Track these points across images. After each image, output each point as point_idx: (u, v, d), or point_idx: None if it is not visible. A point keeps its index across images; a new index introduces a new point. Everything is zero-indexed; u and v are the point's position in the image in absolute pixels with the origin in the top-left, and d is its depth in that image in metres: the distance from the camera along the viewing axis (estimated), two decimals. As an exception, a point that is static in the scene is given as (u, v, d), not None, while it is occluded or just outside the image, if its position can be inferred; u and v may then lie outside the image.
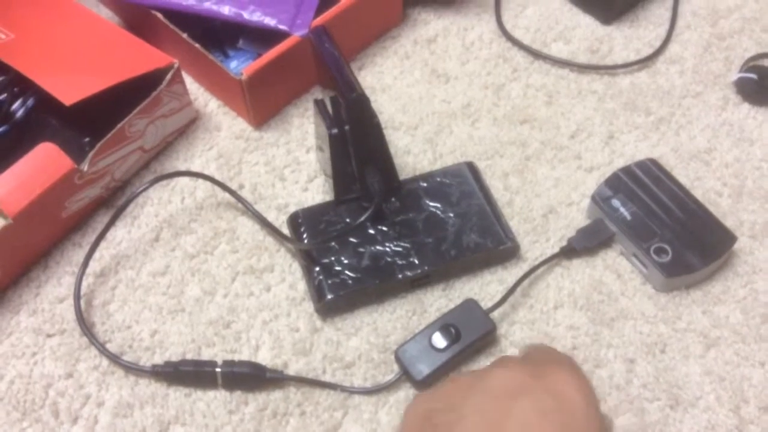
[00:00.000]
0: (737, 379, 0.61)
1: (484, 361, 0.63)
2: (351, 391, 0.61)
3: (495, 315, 0.63)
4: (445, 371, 0.61)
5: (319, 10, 0.75)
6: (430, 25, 0.84)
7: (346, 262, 0.65)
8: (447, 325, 0.62)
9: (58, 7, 0.76)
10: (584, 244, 0.67)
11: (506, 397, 0.45)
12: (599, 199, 0.68)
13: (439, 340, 0.61)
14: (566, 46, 0.81)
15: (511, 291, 0.64)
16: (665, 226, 0.66)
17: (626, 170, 0.69)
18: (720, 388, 0.61)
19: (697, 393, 0.60)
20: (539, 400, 0.44)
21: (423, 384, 0.60)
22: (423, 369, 0.60)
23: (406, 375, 0.61)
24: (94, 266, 0.67)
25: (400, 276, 0.64)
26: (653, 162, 0.70)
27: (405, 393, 0.61)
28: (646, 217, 0.66)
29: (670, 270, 0.64)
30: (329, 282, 0.63)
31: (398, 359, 0.61)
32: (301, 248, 0.66)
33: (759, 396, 0.60)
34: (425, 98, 0.78)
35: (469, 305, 0.63)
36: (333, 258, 0.65)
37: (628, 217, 0.67)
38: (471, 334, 0.61)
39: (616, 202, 0.68)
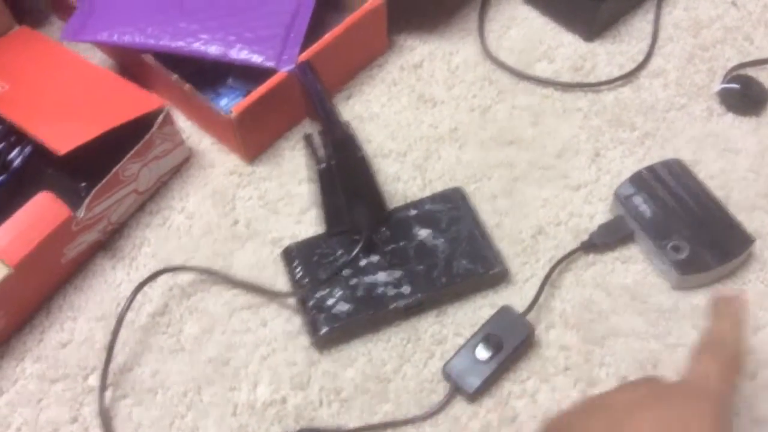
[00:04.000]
0: (729, 392, 0.62)
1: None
2: (405, 422, 0.62)
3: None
4: (495, 379, 0.63)
5: (306, 43, 0.76)
6: (415, 50, 0.85)
7: (339, 294, 0.66)
8: (488, 335, 0.64)
9: (50, 55, 0.78)
10: (604, 240, 0.69)
11: (626, 410, 0.46)
12: (622, 196, 0.69)
13: (482, 351, 0.63)
14: (550, 65, 0.83)
15: (539, 291, 0.67)
16: (684, 225, 0.67)
17: (650, 169, 0.71)
18: (712, 401, 0.61)
19: (689, 408, 0.61)
20: (659, 417, 0.45)
21: (475, 396, 0.62)
22: (473, 381, 0.62)
23: (457, 390, 0.63)
24: (95, 311, 0.69)
25: (392, 306, 0.65)
26: (677, 162, 0.71)
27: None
28: (666, 216, 0.68)
29: (685, 268, 0.65)
30: (323, 315, 0.65)
31: (447, 376, 0.63)
32: (298, 296, 0.67)
33: (749, 408, 0.61)
34: (413, 124, 0.80)
35: (505, 311, 0.65)
36: (326, 291, 0.66)
37: (648, 215, 0.68)
38: (512, 339, 0.64)
39: (638, 200, 0.69)
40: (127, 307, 0.66)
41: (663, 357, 0.64)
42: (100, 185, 0.68)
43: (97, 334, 0.68)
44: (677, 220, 0.67)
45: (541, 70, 0.82)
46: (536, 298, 0.66)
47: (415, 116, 0.80)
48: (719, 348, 0.50)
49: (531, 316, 0.66)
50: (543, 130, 0.78)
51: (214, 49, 0.75)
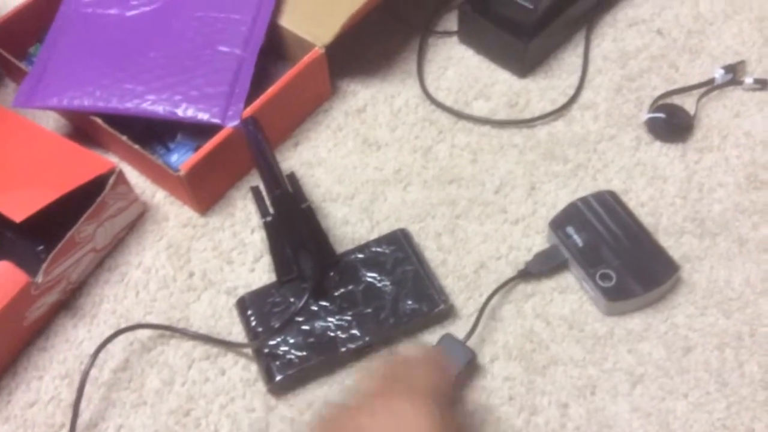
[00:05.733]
0: (663, 412, 0.66)
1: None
2: None
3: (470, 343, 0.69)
4: None
5: (252, 95, 0.80)
6: (359, 95, 0.89)
7: (291, 341, 0.69)
8: None
9: (1, 122, 0.80)
10: (539, 268, 0.73)
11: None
12: (555, 226, 0.74)
13: None
14: (487, 103, 0.86)
15: (478, 317, 0.70)
16: (613, 254, 0.71)
17: (584, 200, 0.75)
18: (647, 423, 0.65)
19: (626, 430, 0.65)
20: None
21: None
22: None
23: None
24: (59, 369, 0.72)
25: (343, 349, 0.69)
26: (610, 194, 0.76)
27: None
28: (596, 245, 0.72)
29: (612, 295, 0.69)
30: (277, 363, 0.68)
31: None
32: (252, 347, 0.70)
33: (683, 427, 0.65)
34: (359, 167, 0.83)
35: (447, 339, 0.69)
36: (279, 339, 0.69)
37: (580, 244, 0.72)
38: (455, 366, 0.67)
39: (570, 230, 0.73)
40: (89, 368, 0.68)
41: (600, 382, 0.67)
42: (56, 249, 0.71)
43: (63, 392, 0.71)
44: (607, 249, 0.71)
45: (478, 108, 0.86)
46: (476, 324, 0.70)
47: (360, 160, 0.84)
48: None
49: (477, 350, 0.69)
50: (482, 167, 0.82)
51: (161, 109, 0.79)
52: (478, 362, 0.69)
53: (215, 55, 0.82)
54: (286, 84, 0.81)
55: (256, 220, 0.80)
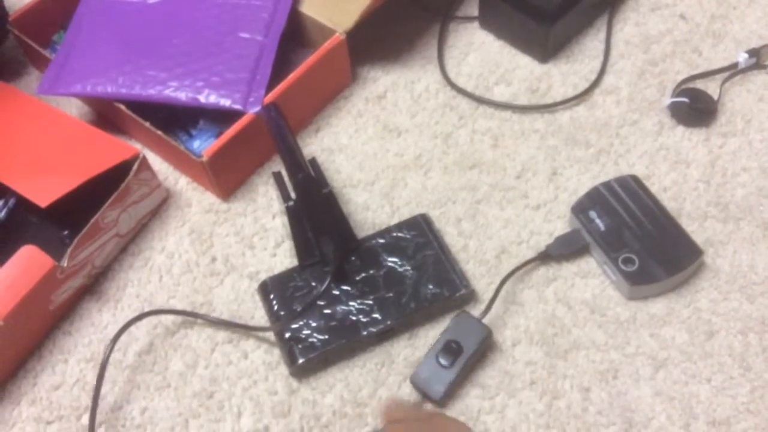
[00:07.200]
0: (686, 397, 0.66)
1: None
2: None
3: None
4: (459, 383, 0.67)
5: (273, 81, 0.80)
6: (379, 81, 0.89)
7: (314, 325, 0.69)
8: (448, 341, 0.67)
9: (26, 109, 0.81)
10: (560, 251, 0.73)
11: None
12: (578, 211, 0.73)
13: (444, 358, 0.67)
14: (508, 88, 0.86)
15: (495, 295, 0.71)
16: (636, 238, 0.71)
17: (606, 185, 0.75)
18: (670, 407, 0.65)
19: (649, 414, 0.65)
20: None
21: (442, 402, 0.66)
22: (439, 388, 0.66)
23: (425, 398, 0.67)
24: (84, 352, 0.73)
25: (365, 333, 0.69)
26: (633, 178, 0.75)
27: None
28: (619, 229, 0.71)
29: (635, 279, 0.69)
30: (299, 346, 0.68)
31: (414, 384, 0.67)
32: (274, 331, 0.71)
33: (707, 411, 0.65)
34: (379, 153, 0.83)
35: (462, 317, 0.69)
36: (302, 323, 0.70)
37: (602, 228, 0.72)
38: (471, 343, 0.67)
39: (592, 214, 0.73)
40: (110, 352, 0.69)
41: (623, 366, 0.67)
42: (81, 234, 0.71)
43: (88, 375, 0.72)
44: (629, 234, 0.71)
45: (499, 93, 0.86)
46: (492, 300, 0.70)
47: (381, 146, 0.84)
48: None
49: (498, 334, 0.69)
50: (503, 152, 0.81)
51: (184, 96, 0.79)
52: (500, 347, 0.69)
53: (237, 41, 0.82)
54: (307, 70, 0.81)
55: (277, 205, 0.80)
